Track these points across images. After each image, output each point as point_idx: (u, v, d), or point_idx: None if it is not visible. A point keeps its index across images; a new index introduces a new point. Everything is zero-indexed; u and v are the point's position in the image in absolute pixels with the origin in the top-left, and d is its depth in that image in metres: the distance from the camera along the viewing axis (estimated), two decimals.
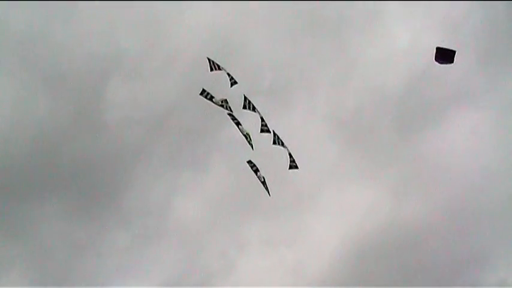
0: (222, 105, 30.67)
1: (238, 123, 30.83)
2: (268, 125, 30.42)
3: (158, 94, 39.44)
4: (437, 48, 24.29)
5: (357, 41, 44.50)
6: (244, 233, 41.51)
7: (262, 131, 30.38)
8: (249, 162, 30.54)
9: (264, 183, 30.73)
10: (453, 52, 24.09)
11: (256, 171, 30.50)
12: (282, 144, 30.48)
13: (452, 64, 24.43)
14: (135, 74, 40.32)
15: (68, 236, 40.90)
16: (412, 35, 44.70)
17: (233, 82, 30.42)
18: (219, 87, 30.31)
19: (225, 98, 30.62)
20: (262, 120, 30.38)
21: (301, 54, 42.24)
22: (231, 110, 30.63)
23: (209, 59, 29.91)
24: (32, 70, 39.90)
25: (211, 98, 30.50)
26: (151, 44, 40.01)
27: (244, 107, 30.25)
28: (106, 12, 40.08)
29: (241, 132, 30.73)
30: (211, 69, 30.11)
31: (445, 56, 24.22)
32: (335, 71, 44.04)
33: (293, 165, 30.51)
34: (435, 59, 24.40)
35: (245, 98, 30.22)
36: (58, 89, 40.50)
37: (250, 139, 30.65)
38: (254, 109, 30.31)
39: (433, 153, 43.35)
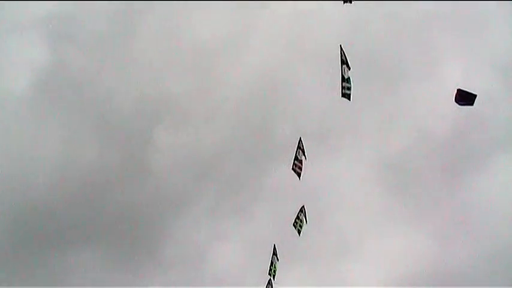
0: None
1: None
2: None
3: (205, 140, 39.50)
4: (459, 90, 24.55)
5: (404, 82, 44.06)
6: (284, 280, 41.18)
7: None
8: None
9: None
10: (474, 96, 24.30)
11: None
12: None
13: (472, 106, 24.31)
14: (183, 120, 40.49)
15: (102, 284, 40.76)
16: (461, 75, 44.03)
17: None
18: None
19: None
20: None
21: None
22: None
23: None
24: (82, 114, 40.37)
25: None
26: (201, 89, 40.14)
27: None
28: (158, 57, 40.36)
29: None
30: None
31: (466, 98, 24.81)
32: (382, 114, 43.60)
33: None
34: (455, 100, 24.45)
35: None
36: (106, 134, 40.88)
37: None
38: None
39: (479, 198, 42.55)
